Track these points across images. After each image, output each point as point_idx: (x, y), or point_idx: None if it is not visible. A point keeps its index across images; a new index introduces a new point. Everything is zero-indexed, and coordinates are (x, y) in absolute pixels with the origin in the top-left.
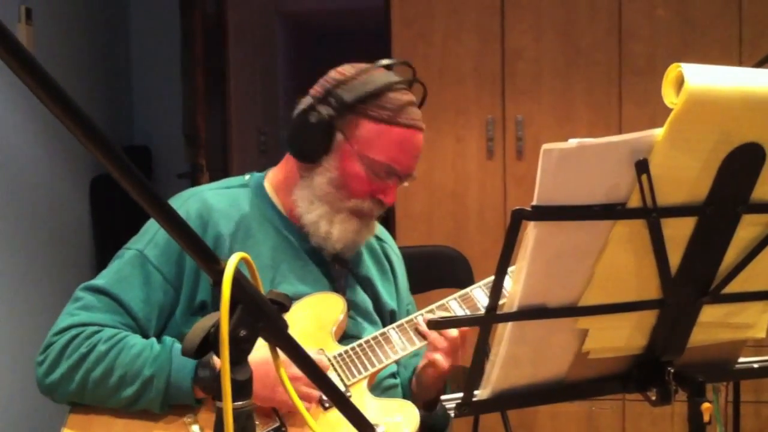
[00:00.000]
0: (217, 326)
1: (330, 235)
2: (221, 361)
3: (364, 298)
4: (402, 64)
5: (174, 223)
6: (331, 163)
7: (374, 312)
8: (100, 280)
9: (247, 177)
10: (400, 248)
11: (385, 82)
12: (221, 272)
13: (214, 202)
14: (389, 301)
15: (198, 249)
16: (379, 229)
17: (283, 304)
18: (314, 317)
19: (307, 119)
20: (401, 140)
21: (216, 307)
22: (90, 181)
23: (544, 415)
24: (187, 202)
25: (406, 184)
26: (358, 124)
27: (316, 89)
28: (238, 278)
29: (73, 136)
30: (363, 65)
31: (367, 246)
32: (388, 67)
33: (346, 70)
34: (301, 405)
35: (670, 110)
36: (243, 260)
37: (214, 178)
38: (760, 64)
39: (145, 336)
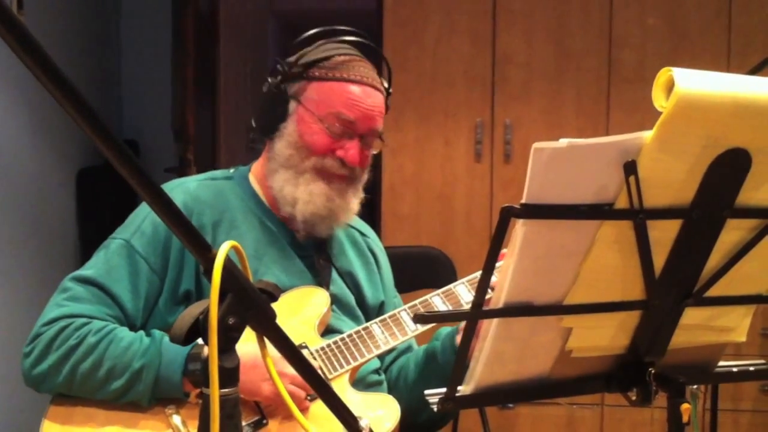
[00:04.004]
0: (206, 313)
1: (296, 198)
2: (209, 348)
3: (346, 293)
4: (356, 37)
5: (168, 210)
6: (288, 128)
7: (356, 307)
8: (88, 271)
9: (231, 170)
10: (387, 248)
11: (332, 48)
12: (212, 260)
13: (199, 192)
14: (374, 295)
15: (190, 236)
16: (362, 225)
17: (272, 293)
18: (298, 311)
19: (261, 93)
20: (350, 93)
21: (203, 295)
22: (76, 173)
23: (523, 417)
24: (172, 192)
25: (374, 151)
26: (307, 86)
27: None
28: (229, 267)
29: (72, 120)
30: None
31: (350, 240)
32: (348, 43)
33: (300, 45)
34: (287, 395)
35: (657, 118)
36: (233, 249)
37: (201, 173)
38: (751, 73)
39: (133, 326)
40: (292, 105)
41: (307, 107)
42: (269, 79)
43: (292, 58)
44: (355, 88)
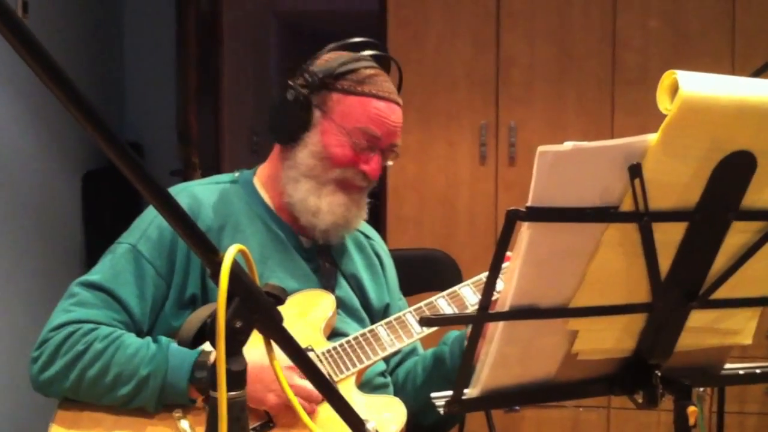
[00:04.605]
0: (213, 316)
1: (319, 209)
2: (217, 352)
3: (351, 296)
4: (378, 51)
5: (174, 213)
6: (312, 138)
7: (362, 309)
8: (95, 276)
9: (236, 174)
10: (390, 251)
11: (356, 59)
12: (219, 263)
13: (203, 196)
14: (378, 298)
15: (197, 239)
16: (366, 228)
17: (279, 296)
18: (304, 314)
19: (284, 100)
20: (377, 108)
21: (209, 299)
22: (82, 176)
23: (529, 420)
24: (176, 197)
25: (390, 162)
26: (334, 98)
27: (295, 76)
28: (236, 270)
29: (77, 123)
30: (342, 52)
31: (355, 243)
32: (371, 56)
33: (323, 55)
34: (296, 401)
35: (661, 120)
36: (240, 252)
37: (206, 176)
38: (755, 76)
39: (140, 331)
40: (317, 115)
41: (333, 119)
42: (290, 84)
43: (315, 68)
44: (381, 104)
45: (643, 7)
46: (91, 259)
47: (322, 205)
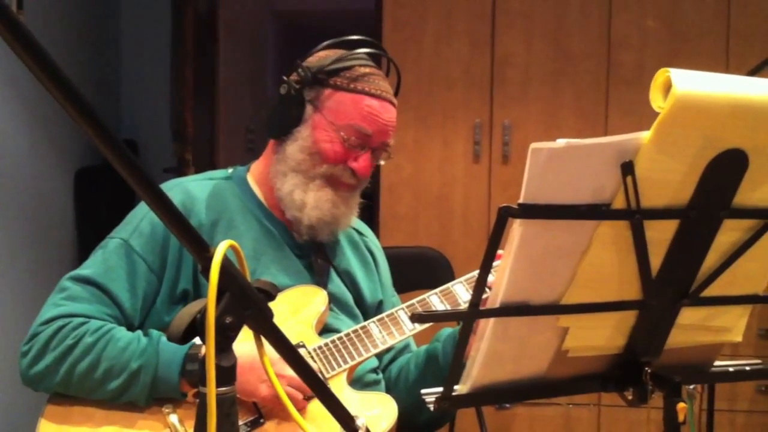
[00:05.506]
0: (203, 312)
1: (304, 203)
2: (207, 347)
3: (344, 292)
4: (375, 50)
5: (166, 209)
6: (302, 133)
7: (355, 306)
8: (86, 270)
9: (230, 170)
10: (385, 248)
11: (351, 57)
12: (210, 259)
13: (197, 192)
14: (372, 294)
15: (188, 235)
16: (360, 224)
17: (269, 292)
18: (296, 310)
19: (277, 94)
20: (369, 106)
21: (200, 294)
22: (74, 173)
23: (520, 418)
24: (170, 192)
25: (382, 162)
26: (326, 94)
27: (290, 71)
28: (226, 266)
29: (72, 119)
30: (337, 49)
31: (348, 240)
32: (367, 55)
33: (318, 51)
34: (285, 397)
35: (655, 120)
36: (231, 248)
37: (199, 173)
38: (750, 75)
39: (130, 326)
40: (309, 110)
41: (324, 115)
42: (285, 79)
43: (310, 64)
44: (374, 102)
45: (639, 7)
46: (83, 256)
47: (308, 200)
